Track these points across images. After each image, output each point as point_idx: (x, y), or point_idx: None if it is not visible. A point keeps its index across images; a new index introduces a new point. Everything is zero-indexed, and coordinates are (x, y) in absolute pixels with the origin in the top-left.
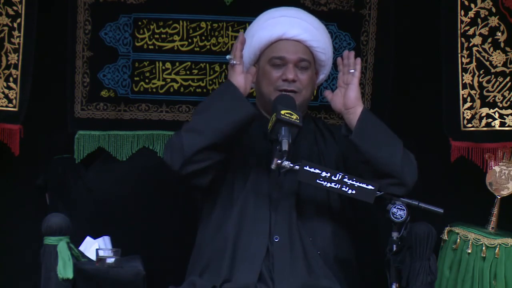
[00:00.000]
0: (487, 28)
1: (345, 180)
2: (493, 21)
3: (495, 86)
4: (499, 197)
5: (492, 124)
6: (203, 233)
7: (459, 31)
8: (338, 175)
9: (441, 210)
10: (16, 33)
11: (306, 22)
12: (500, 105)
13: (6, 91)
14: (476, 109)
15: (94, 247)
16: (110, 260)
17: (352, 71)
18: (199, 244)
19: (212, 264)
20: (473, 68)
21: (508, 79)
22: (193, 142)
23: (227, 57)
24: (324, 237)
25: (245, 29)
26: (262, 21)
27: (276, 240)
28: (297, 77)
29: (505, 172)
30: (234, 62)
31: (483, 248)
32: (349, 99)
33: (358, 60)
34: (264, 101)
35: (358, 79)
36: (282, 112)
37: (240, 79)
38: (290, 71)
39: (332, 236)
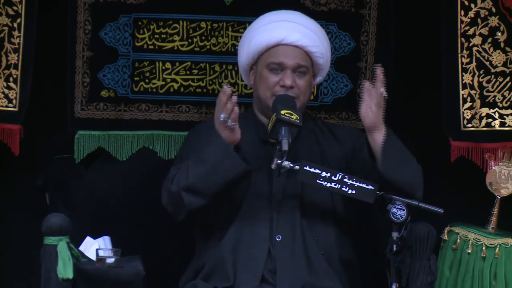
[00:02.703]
0: (487, 28)
1: (345, 180)
2: (493, 21)
3: (495, 86)
4: (499, 197)
5: (492, 124)
6: (204, 240)
7: (459, 31)
8: (338, 175)
9: (441, 210)
10: (16, 33)
11: (305, 27)
12: (500, 105)
13: (6, 91)
14: (476, 109)
15: (94, 247)
16: (110, 260)
17: (384, 94)
18: (200, 251)
19: (215, 271)
20: (473, 68)
21: (508, 79)
22: (193, 202)
23: (222, 116)
24: (328, 237)
25: (245, 29)
26: (261, 24)
27: (278, 240)
28: (295, 83)
29: (505, 172)
30: (233, 124)
31: (483, 248)
32: (375, 123)
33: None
34: (261, 105)
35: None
36: (282, 112)
37: (233, 136)
38: (288, 77)
39: (336, 236)
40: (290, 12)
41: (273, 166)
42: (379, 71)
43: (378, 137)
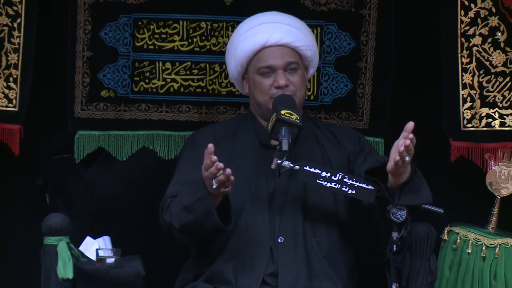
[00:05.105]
0: (487, 28)
1: (345, 180)
2: (493, 21)
3: (495, 86)
4: (499, 197)
5: (492, 124)
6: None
7: (459, 31)
8: (338, 175)
9: (441, 210)
10: (16, 33)
11: (285, 24)
12: (500, 105)
13: (6, 91)
14: (476, 109)
15: (94, 247)
16: (110, 260)
17: (407, 159)
18: (200, 253)
19: (216, 275)
20: (473, 68)
21: (508, 79)
22: (183, 240)
23: (214, 186)
24: (329, 240)
25: None
26: (242, 32)
27: (280, 241)
28: (289, 81)
29: (505, 172)
30: (226, 191)
31: (483, 248)
32: (399, 179)
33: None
34: (261, 110)
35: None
36: (282, 112)
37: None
38: (280, 77)
39: (337, 239)
40: (267, 14)
41: (273, 166)
42: (410, 125)
43: (399, 180)
